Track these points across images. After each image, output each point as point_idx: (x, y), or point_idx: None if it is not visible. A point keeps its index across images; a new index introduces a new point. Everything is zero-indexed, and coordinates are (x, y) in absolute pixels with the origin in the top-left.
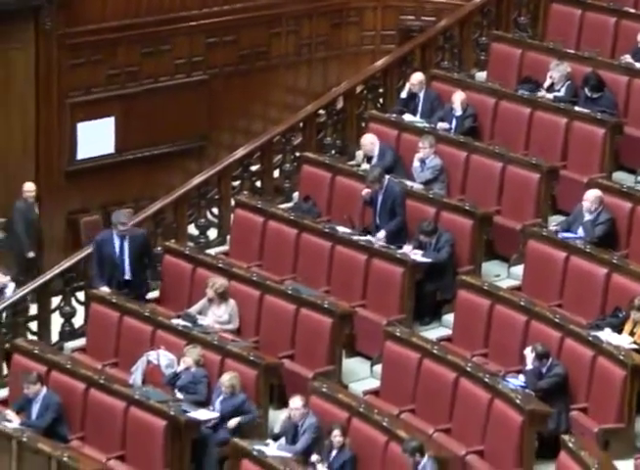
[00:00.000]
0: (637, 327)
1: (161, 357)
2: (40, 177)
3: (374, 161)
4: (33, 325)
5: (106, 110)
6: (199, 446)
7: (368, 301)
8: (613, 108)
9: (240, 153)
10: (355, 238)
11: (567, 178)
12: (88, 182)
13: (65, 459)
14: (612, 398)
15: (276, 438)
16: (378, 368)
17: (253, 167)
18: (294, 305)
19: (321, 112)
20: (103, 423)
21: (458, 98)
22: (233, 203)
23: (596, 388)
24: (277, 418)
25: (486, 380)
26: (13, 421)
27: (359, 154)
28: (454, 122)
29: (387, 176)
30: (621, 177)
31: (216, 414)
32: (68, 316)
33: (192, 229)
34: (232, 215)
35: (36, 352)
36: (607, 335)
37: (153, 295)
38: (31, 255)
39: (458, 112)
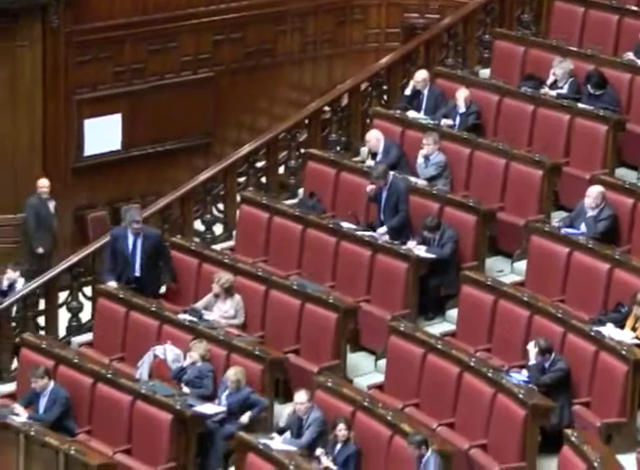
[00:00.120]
0: (639, 322)
1: (168, 352)
2: (47, 174)
3: (378, 157)
4: (41, 320)
5: (112, 106)
6: (205, 440)
7: (372, 296)
8: (615, 105)
9: (245, 149)
10: (360, 234)
11: (569, 175)
12: (95, 178)
13: (72, 453)
14: (614, 392)
15: (281, 432)
16: (382, 363)
17: (259, 164)
18: (299, 300)
19: (326, 108)
20: (110, 417)
21: (462, 95)
22: (239, 199)
23: (598, 382)
24: (282, 412)
25: (490, 375)
26: (21, 415)
27: (364, 150)
28: (458, 119)
29: (391, 173)
30: (624, 174)
31: (222, 408)
32: (76, 311)
33: (198, 225)
34: (238, 211)
35: (44, 346)
36: (609, 330)
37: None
38: (40, 251)
39: (462, 108)
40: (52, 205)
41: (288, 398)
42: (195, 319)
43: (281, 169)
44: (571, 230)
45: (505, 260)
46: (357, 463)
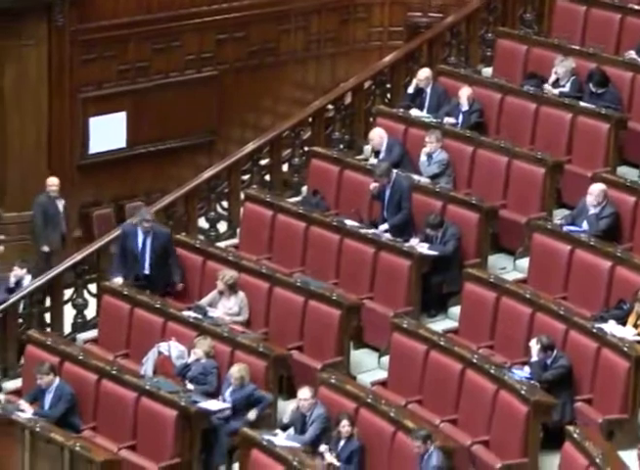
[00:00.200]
0: None
1: (172, 349)
2: (53, 171)
3: (381, 155)
4: (46, 317)
5: (117, 105)
6: (209, 436)
7: (376, 293)
8: (617, 103)
9: (249, 147)
10: (363, 231)
11: (571, 172)
12: (100, 176)
13: (77, 449)
14: (616, 389)
15: (285, 428)
16: (385, 360)
17: (263, 162)
18: (302, 297)
19: (329, 107)
20: (114, 413)
21: (464, 93)
22: (242, 196)
23: (600, 379)
24: (286, 409)
25: (492, 371)
26: (26, 411)
27: (367, 148)
28: (460, 117)
29: (394, 170)
30: (625, 172)
31: (227, 405)
32: (81, 308)
33: (202, 222)
34: (241, 209)
35: (49, 343)
36: (611, 327)
37: None
38: (46, 249)
39: (464, 107)
40: (61, 203)
41: (291, 394)
42: (199, 316)
43: (285, 167)
44: (573, 228)
45: (507, 258)
46: (361, 459)
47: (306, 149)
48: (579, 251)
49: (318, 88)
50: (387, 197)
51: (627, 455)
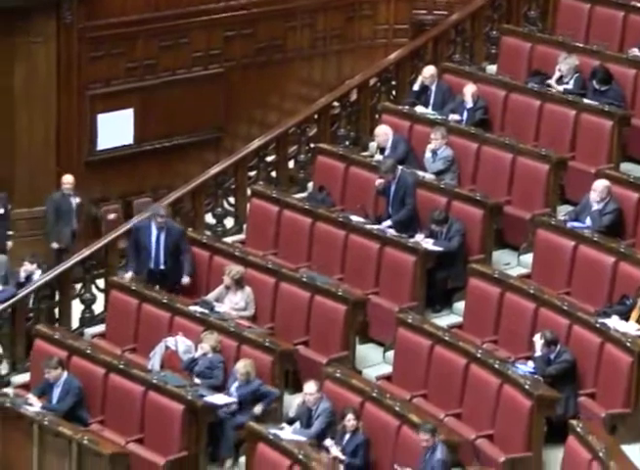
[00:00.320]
0: None
1: (179, 343)
2: (61, 167)
3: (387, 152)
4: (55, 312)
5: (125, 101)
6: (215, 430)
7: (381, 288)
8: (620, 100)
9: (256, 144)
10: (368, 227)
11: (575, 169)
12: (108, 172)
13: (85, 442)
14: (619, 383)
15: (291, 422)
16: (390, 354)
17: (269, 158)
18: (308, 292)
19: (335, 103)
20: (122, 407)
21: (469, 90)
22: (249, 192)
23: (603, 374)
24: (292, 403)
25: (496, 366)
26: (34, 405)
27: (372, 145)
28: (465, 114)
29: (399, 167)
30: (629, 168)
31: (233, 399)
32: (89, 303)
33: (209, 218)
34: (248, 205)
35: (57, 337)
36: (614, 322)
37: None
38: (55, 245)
39: (469, 104)
40: (75, 201)
41: (297, 388)
42: (206, 311)
43: (291, 164)
44: (576, 224)
45: (512, 253)
46: (366, 453)
47: (312, 145)
48: (583, 246)
49: (324, 85)
50: (392, 193)
51: (630, 449)
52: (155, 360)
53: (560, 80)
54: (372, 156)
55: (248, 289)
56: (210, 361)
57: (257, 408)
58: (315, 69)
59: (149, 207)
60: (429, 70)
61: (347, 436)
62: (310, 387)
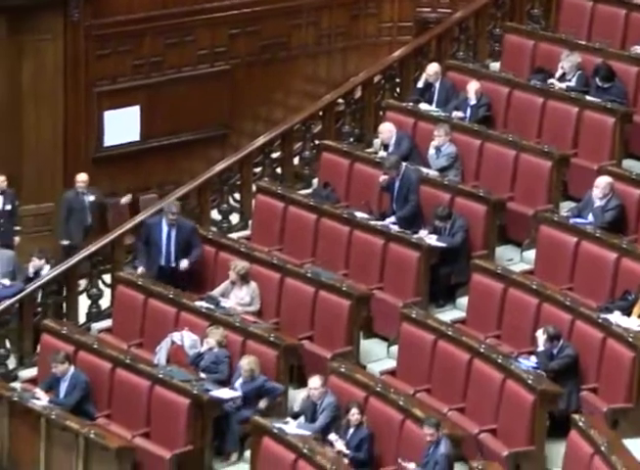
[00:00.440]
0: None
1: (185, 338)
2: (68, 164)
3: (391, 148)
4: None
5: (131, 99)
6: (221, 424)
7: (385, 284)
8: (622, 97)
9: (261, 140)
10: (373, 223)
11: (578, 166)
12: (114, 168)
13: (92, 436)
14: (621, 378)
15: (296, 416)
16: (394, 349)
17: (274, 154)
18: (313, 287)
19: (340, 101)
20: (128, 401)
21: (472, 88)
22: (254, 189)
23: (605, 369)
24: (297, 397)
25: (499, 361)
26: (42, 399)
27: (377, 142)
28: (469, 111)
29: (403, 163)
30: (631, 165)
31: (238, 393)
32: (95, 298)
33: (215, 214)
34: (253, 201)
35: (64, 332)
36: (616, 317)
37: None
38: (64, 242)
39: (472, 101)
40: (88, 199)
41: (302, 383)
42: (212, 306)
43: (296, 160)
44: (579, 220)
45: (514, 249)
46: (370, 447)
47: (317, 142)
48: (585, 242)
49: (329, 82)
50: (396, 189)
51: (632, 444)
52: (161, 355)
53: (562, 78)
54: (376, 152)
55: (253, 284)
56: (216, 356)
57: (262, 403)
58: (320, 66)
59: (155, 203)
60: (432, 68)
61: (352, 430)
62: (315, 381)
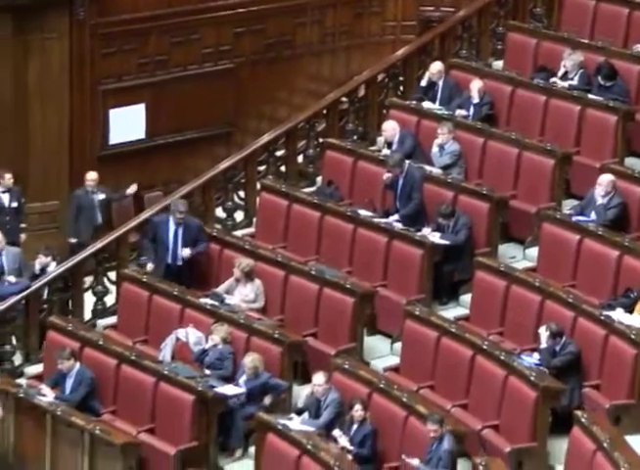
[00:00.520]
0: None
1: (190, 335)
2: (74, 161)
3: (394, 146)
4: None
5: (136, 97)
6: (226, 420)
7: (388, 281)
8: (625, 96)
9: (265, 138)
10: (376, 221)
11: (580, 164)
12: (120, 166)
13: (97, 432)
14: (623, 375)
15: (300, 412)
16: (398, 346)
17: (278, 153)
18: (317, 285)
19: (344, 99)
20: (133, 397)
21: (476, 86)
22: (259, 186)
23: (608, 365)
24: (301, 394)
25: (502, 358)
26: (47, 395)
27: (380, 140)
28: (472, 110)
29: (407, 161)
30: (633, 163)
31: (242, 390)
32: (101, 295)
33: (219, 212)
34: (258, 199)
35: (70, 329)
36: (618, 315)
37: None
38: (72, 240)
39: (475, 99)
40: (98, 198)
41: (306, 379)
42: (216, 303)
43: (300, 158)
44: (581, 218)
45: (517, 247)
46: (373, 443)
47: (321, 140)
48: (588, 240)
49: (333, 81)
50: (399, 187)
51: (634, 440)
52: (166, 352)
53: (565, 76)
54: (379, 150)
55: (257, 281)
56: (221, 353)
57: (267, 400)
58: (324, 64)
59: (160, 200)
60: (436, 66)
61: (355, 426)
62: (319, 378)
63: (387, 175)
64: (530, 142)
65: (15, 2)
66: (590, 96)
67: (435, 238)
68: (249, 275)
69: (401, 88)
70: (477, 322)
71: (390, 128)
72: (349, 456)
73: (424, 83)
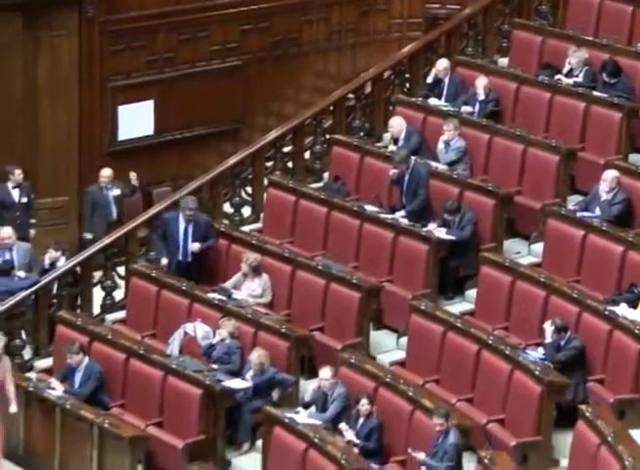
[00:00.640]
0: None
1: (198, 329)
2: (83, 158)
3: (400, 142)
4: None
5: (145, 93)
6: (233, 414)
7: (394, 276)
8: (629, 93)
9: (273, 135)
10: (382, 216)
11: (585, 160)
12: (128, 162)
13: (106, 425)
14: (627, 369)
15: (306, 406)
16: (404, 340)
17: (286, 149)
18: (324, 279)
19: (350, 96)
20: (142, 391)
21: (481, 83)
22: (266, 182)
23: (612, 360)
24: (307, 388)
25: (507, 352)
26: (57, 389)
27: (387, 136)
28: (477, 106)
29: (413, 157)
30: (637, 159)
31: (250, 384)
32: (110, 290)
33: (227, 207)
34: (265, 194)
35: (79, 323)
36: (622, 310)
37: None
38: (88, 236)
39: (481, 96)
40: (112, 194)
41: (313, 374)
42: (224, 298)
43: (307, 154)
44: (586, 213)
45: (522, 242)
46: (379, 436)
47: (328, 136)
48: (592, 236)
49: (339, 78)
50: (405, 183)
51: (638, 434)
52: (174, 346)
53: (570, 73)
54: (386, 147)
55: (265, 276)
56: (228, 347)
57: (275, 394)
58: (330, 62)
59: (168, 196)
60: (442, 63)
61: (361, 420)
62: (325, 372)
63: (393, 171)
64: (535, 138)
65: (25, 0)
66: (595, 93)
67: (441, 233)
68: (256, 270)
69: (407, 85)
70: (482, 317)
71: (398, 124)
72: (356, 450)
73: (430, 80)
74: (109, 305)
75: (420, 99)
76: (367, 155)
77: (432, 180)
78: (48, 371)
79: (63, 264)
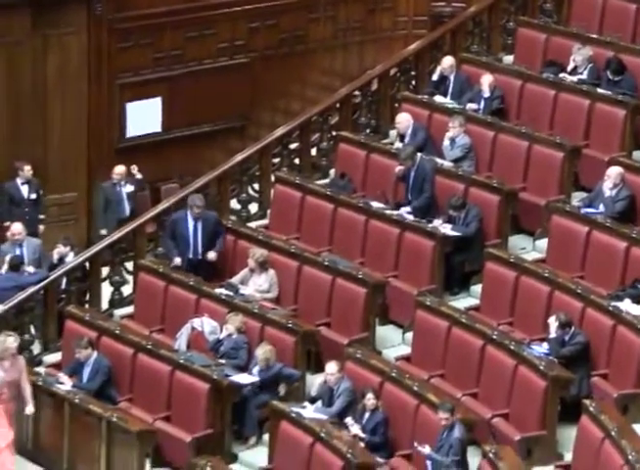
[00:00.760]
0: None
1: (205, 324)
2: (92, 154)
3: (406, 139)
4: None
5: (153, 90)
6: (240, 408)
7: (400, 272)
8: (633, 90)
9: (279, 132)
10: (388, 213)
11: (589, 157)
12: (137, 159)
13: (114, 420)
14: (631, 364)
15: (313, 401)
16: (409, 336)
17: (292, 145)
18: (330, 275)
19: (356, 93)
20: (150, 386)
21: (486, 80)
22: (273, 179)
23: (616, 355)
24: (314, 382)
25: (512, 347)
26: (65, 384)
27: (393, 133)
28: (482, 103)
29: (418, 154)
30: None
31: (257, 378)
32: (118, 285)
33: (234, 203)
34: (272, 191)
35: (87, 318)
36: (626, 305)
37: None
38: (103, 232)
39: (486, 93)
40: (125, 190)
41: (319, 368)
42: (231, 293)
43: (313, 151)
44: (590, 210)
45: (527, 238)
46: (385, 431)
47: (334, 133)
48: (596, 232)
49: (346, 75)
50: (411, 179)
51: None
52: (181, 341)
53: (574, 71)
54: (392, 143)
55: (271, 271)
56: (235, 342)
57: (282, 389)
58: (337, 59)
59: (176, 192)
60: (447, 61)
61: (367, 414)
62: (332, 367)
63: (399, 168)
64: (540, 135)
65: None
66: (599, 90)
67: (447, 229)
68: (263, 265)
69: (413, 82)
70: (487, 312)
71: (405, 120)
72: (362, 444)
73: (435, 78)
74: (117, 301)
75: (425, 96)
76: (373, 151)
77: (437, 177)
78: (57, 366)
79: (71, 260)
